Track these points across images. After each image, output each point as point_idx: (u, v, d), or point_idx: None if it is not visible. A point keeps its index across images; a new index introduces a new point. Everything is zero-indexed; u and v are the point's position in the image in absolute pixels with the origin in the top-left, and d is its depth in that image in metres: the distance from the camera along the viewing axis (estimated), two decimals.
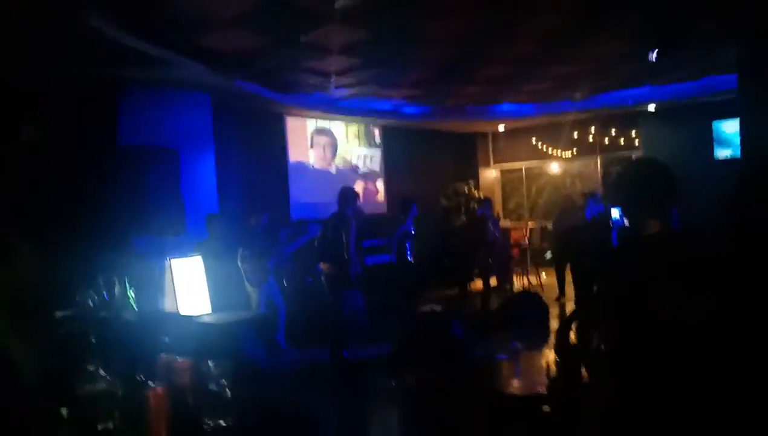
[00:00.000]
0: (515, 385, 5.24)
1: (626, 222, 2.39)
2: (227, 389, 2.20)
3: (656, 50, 6.83)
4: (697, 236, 2.25)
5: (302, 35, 6.01)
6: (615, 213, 8.51)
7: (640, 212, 2.22)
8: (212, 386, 2.21)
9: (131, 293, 4.24)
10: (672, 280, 2.06)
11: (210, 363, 2.27)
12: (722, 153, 10.79)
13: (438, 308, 8.40)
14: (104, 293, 3.47)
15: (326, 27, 5.75)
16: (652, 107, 10.94)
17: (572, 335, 4.90)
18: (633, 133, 11.84)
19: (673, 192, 2.22)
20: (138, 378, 2.32)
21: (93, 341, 2.91)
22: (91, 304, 3.11)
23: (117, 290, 3.66)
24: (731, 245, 2.36)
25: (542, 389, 4.69)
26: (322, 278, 6.85)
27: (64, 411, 2.11)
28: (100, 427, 2.14)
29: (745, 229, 2.40)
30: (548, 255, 10.63)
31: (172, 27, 5.49)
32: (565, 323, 6.40)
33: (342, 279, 6.44)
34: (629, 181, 2.33)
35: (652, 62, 7.35)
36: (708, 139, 10.81)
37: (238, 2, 5.09)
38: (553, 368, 4.31)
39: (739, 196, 2.33)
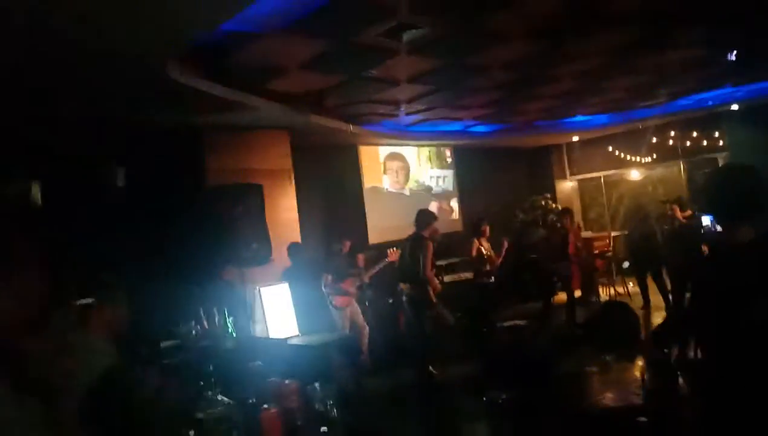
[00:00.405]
0: (608, 397, 5.16)
1: (718, 228, 2.33)
2: (333, 409, 2.38)
3: (734, 51, 6.61)
4: None
5: (370, 70, 6.29)
6: (705, 220, 8.19)
7: (732, 219, 2.14)
8: (319, 407, 2.40)
9: (229, 322, 4.57)
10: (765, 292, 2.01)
11: (316, 386, 2.45)
12: None
13: (522, 322, 8.35)
14: (205, 322, 3.77)
15: (392, 60, 5.99)
16: (735, 107, 10.46)
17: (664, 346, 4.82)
18: (716, 134, 11.33)
19: (763, 196, 2.17)
20: (250, 401, 2.55)
21: (198, 368, 3.19)
22: (193, 333, 3.40)
23: (216, 319, 3.96)
24: None
25: (636, 401, 4.61)
26: (403, 299, 7.02)
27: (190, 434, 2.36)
28: None
29: None
30: (625, 264, 10.30)
31: (248, 73, 5.91)
32: (656, 333, 6.26)
33: (422, 298, 6.58)
34: (718, 187, 2.26)
35: (730, 64, 7.13)
36: None
37: (304, 49, 5.44)
38: (646, 379, 4.24)
39: None
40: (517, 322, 8.53)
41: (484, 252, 7.78)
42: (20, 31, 3.80)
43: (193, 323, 3.56)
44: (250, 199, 6.22)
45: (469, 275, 9.47)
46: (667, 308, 8.72)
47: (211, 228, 6.19)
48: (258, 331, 6.34)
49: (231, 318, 4.65)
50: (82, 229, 6.03)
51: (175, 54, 4.77)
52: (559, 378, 6.11)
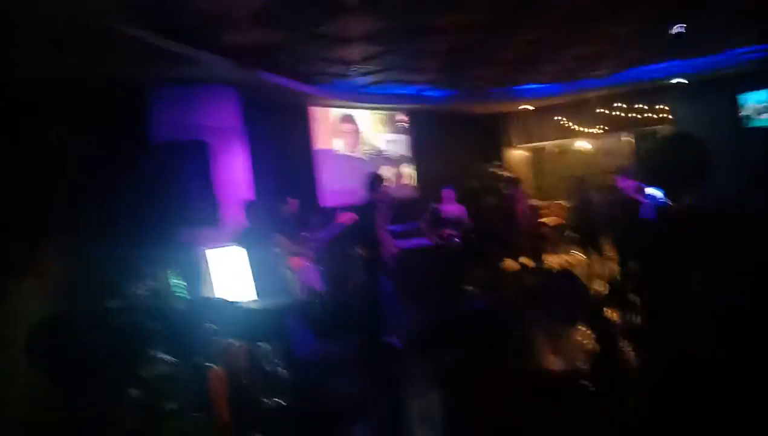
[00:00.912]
0: (553, 361, 5.27)
1: (664, 199, 2.37)
2: (281, 370, 2.29)
3: (681, 25, 6.72)
4: (730, 215, 2.21)
5: (321, 27, 6.07)
6: (652, 191, 8.37)
7: (677, 188, 2.20)
8: (267, 367, 2.30)
9: (179, 282, 4.39)
10: (705, 260, 2.04)
11: (263, 345, 2.35)
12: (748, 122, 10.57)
13: (470, 288, 8.43)
14: (152, 283, 3.60)
15: (344, 17, 5.80)
16: (682, 80, 10.74)
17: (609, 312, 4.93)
18: (663, 107, 11.62)
19: (707, 167, 2.19)
20: (196, 361, 2.43)
21: (147, 327, 3.04)
22: (140, 293, 3.23)
23: (163, 279, 3.78)
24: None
25: (581, 366, 4.72)
26: (359, 263, 6.96)
27: (132, 392, 2.24)
28: (166, 407, 2.26)
29: None
30: (566, 233, 10.55)
31: (194, 25, 5.59)
32: (601, 300, 6.41)
33: (376, 263, 6.54)
34: (665, 157, 2.29)
35: (676, 37, 7.25)
36: (735, 111, 10.60)
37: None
38: (591, 344, 4.33)
39: None
40: (466, 287, 8.61)
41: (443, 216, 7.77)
42: None
43: (140, 283, 3.39)
44: (195, 156, 5.96)
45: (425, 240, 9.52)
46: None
47: (157, 186, 5.92)
48: (210, 293, 6.15)
49: (180, 279, 4.46)
50: (23, 189, 5.69)
51: (120, 4, 4.46)
52: (507, 342, 6.21)
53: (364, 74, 8.53)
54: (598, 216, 8.87)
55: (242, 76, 7.10)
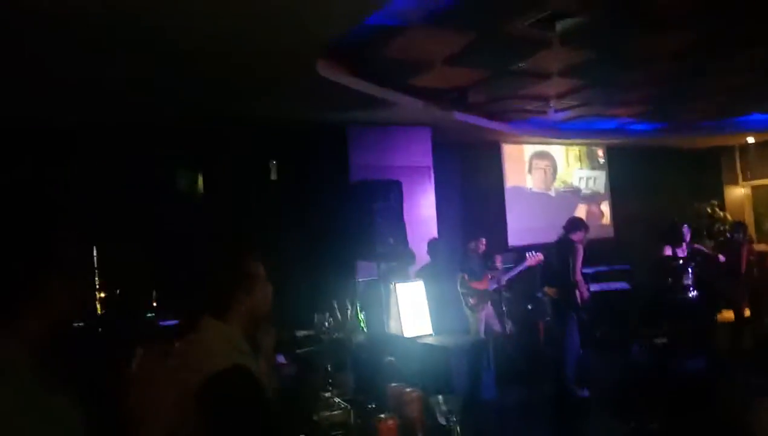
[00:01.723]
0: None
1: None
2: (456, 424, 2.21)
3: None
4: None
5: (518, 64, 6.00)
6: None
7: None
8: (440, 420, 2.24)
9: (361, 316, 4.57)
10: None
11: (440, 397, 2.29)
12: None
13: (664, 340, 7.56)
14: (338, 315, 3.79)
15: (543, 52, 5.65)
16: None
17: None
18: None
19: None
20: (369, 406, 2.48)
21: (329, 360, 3.19)
22: (326, 325, 3.42)
23: (349, 312, 3.97)
24: None
25: None
26: (546, 304, 6.67)
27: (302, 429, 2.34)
28: None
29: None
30: None
31: (391, 69, 5.90)
32: None
33: (567, 303, 6.20)
34: None
35: None
36: None
37: (450, 43, 5.29)
38: None
39: None
40: (662, 340, 7.78)
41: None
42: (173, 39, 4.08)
43: (326, 314, 3.59)
44: (390, 195, 6.22)
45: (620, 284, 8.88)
46: None
47: (352, 223, 6.29)
48: (391, 328, 6.34)
49: (363, 312, 4.64)
50: (240, 219, 6.46)
51: (322, 50, 4.87)
52: (716, 407, 5.43)
53: (562, 109, 8.25)
54: None
55: (435, 116, 7.31)
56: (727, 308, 7.98)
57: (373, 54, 5.49)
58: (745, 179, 12.17)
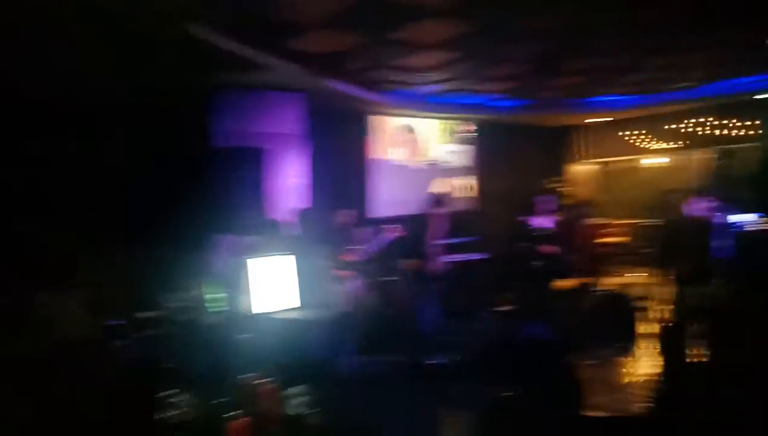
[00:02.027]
0: (605, 402, 5.00)
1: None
2: (313, 414, 2.17)
3: None
4: None
5: (398, 32, 5.89)
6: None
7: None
8: (293, 411, 2.20)
9: (215, 294, 4.34)
10: None
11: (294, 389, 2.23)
12: None
13: (509, 308, 8.11)
14: (188, 294, 3.59)
15: (422, 21, 5.60)
16: None
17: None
18: (751, 123, 10.82)
19: None
20: (216, 402, 2.38)
21: (172, 344, 3.02)
22: (171, 306, 3.21)
23: (197, 292, 3.78)
24: None
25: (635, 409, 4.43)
26: (406, 275, 6.84)
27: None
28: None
29: None
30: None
31: (266, 31, 5.59)
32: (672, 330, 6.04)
33: (425, 275, 6.42)
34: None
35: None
36: None
37: (328, 4, 5.10)
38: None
39: None
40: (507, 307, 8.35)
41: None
42: None
43: (174, 294, 3.37)
44: (250, 164, 5.98)
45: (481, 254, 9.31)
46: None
47: (210, 193, 6.00)
48: (255, 304, 6.18)
49: (222, 290, 4.43)
50: (83, 187, 5.89)
51: (194, 10, 4.51)
52: (556, 374, 5.92)
53: (433, 83, 8.34)
54: (676, 237, 8.37)
55: (309, 83, 7.09)
56: (569, 276, 8.65)
57: (247, 14, 5.16)
58: (589, 157, 13.25)
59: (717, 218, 7.66)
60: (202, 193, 6.27)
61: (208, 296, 4.26)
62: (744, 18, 5.98)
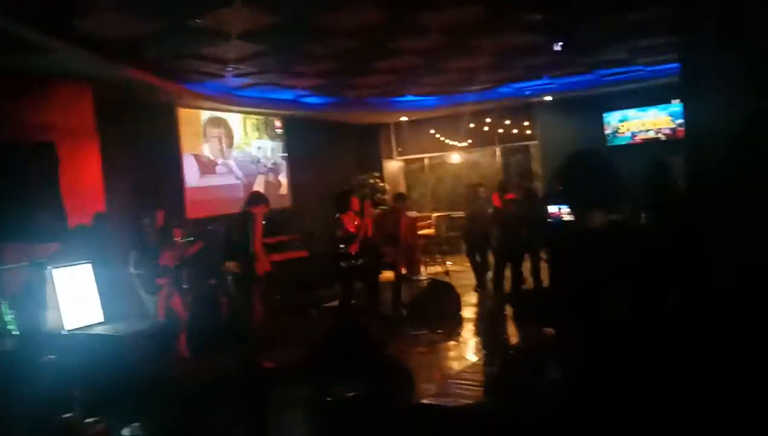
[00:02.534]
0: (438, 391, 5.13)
1: (566, 215, 2.36)
2: None
3: (560, 42, 6.95)
4: (640, 229, 2.24)
5: (195, 19, 5.49)
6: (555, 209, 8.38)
7: (586, 205, 2.17)
8: None
9: (6, 313, 3.62)
10: (621, 274, 2.03)
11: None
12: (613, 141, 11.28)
13: (335, 303, 8.11)
14: None
15: (223, 10, 5.27)
16: (548, 98, 11.28)
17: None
18: (527, 123, 12.18)
19: (616, 183, 2.19)
20: None
21: None
22: None
23: None
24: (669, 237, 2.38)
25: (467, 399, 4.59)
26: (229, 278, 6.41)
27: None
28: None
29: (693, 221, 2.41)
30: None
31: (46, 9, 4.79)
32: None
33: (250, 276, 6.06)
34: (573, 174, 2.26)
35: (553, 54, 7.51)
36: (600, 130, 11.27)
37: None
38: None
39: (692, 191, 2.34)
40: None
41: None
42: None
43: None
44: (40, 162, 5.12)
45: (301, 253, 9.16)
46: (478, 287, 9.12)
47: None
48: (50, 321, 5.30)
49: (9, 309, 3.69)
50: None
51: None
52: (390, 365, 5.99)
53: (240, 75, 7.96)
54: (487, 227, 8.99)
55: (101, 71, 6.29)
56: (389, 268, 8.87)
57: None
58: (399, 154, 13.86)
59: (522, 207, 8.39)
60: None
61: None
62: (529, 23, 6.61)
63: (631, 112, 11.12)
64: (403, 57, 7.63)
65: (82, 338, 5.35)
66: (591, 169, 2.21)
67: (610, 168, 2.20)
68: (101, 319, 5.65)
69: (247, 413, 5.14)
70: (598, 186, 2.15)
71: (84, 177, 6.42)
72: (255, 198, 6.28)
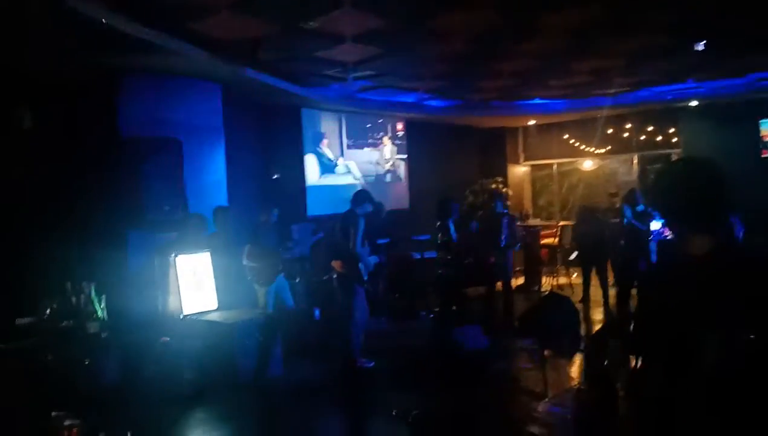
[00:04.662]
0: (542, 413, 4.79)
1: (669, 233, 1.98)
2: None
3: (703, 41, 6.24)
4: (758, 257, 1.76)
5: (311, 21, 5.60)
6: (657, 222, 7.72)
7: (685, 224, 1.75)
8: None
9: (97, 300, 3.89)
10: (727, 318, 1.61)
11: None
12: None
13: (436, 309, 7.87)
14: (71, 299, 3.13)
15: (337, 12, 5.33)
16: (693, 103, 10.25)
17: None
18: (671, 130, 11.15)
19: (725, 199, 1.74)
20: None
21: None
22: (48, 312, 2.76)
23: (84, 296, 3.31)
24: None
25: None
26: (334, 277, 6.50)
27: None
28: None
29: None
30: (572, 256, 9.92)
31: (169, 11, 5.15)
32: (594, 340, 5.88)
33: (351, 277, 6.08)
34: (671, 184, 1.84)
35: (694, 56, 6.79)
36: (754, 139, 10.03)
37: None
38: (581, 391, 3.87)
39: None
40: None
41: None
42: None
43: (50, 300, 2.91)
44: (166, 155, 5.50)
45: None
46: (606, 306, 8.47)
47: (119, 186, 5.48)
48: (170, 305, 5.71)
49: (101, 295, 3.95)
50: None
51: None
52: (492, 380, 5.72)
53: (360, 78, 8.07)
54: (604, 240, 8.36)
55: (226, 72, 6.65)
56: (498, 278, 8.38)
57: None
58: (526, 159, 13.33)
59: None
60: (108, 187, 5.73)
61: (90, 303, 3.77)
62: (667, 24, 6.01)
63: None
64: (525, 59, 7.28)
65: (197, 323, 5.72)
66: (693, 180, 1.77)
67: (720, 179, 1.80)
68: (215, 306, 6.01)
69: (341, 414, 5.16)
70: (701, 202, 1.72)
71: (209, 173, 6.84)
72: (360, 196, 6.23)
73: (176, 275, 5.72)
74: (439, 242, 7.13)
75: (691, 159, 1.87)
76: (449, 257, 7.16)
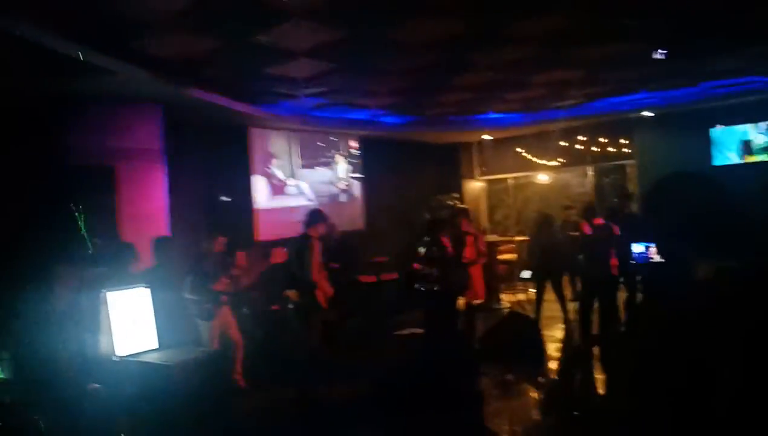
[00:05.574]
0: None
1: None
2: None
3: (665, 51, 6.17)
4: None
5: (258, 36, 5.28)
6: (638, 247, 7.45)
7: (680, 247, 1.55)
8: None
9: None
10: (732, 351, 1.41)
11: None
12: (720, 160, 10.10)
13: (419, 331, 7.61)
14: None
15: (285, 25, 5.01)
16: (646, 113, 10.30)
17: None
18: (626, 141, 11.19)
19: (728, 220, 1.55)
20: None
21: None
22: None
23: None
24: None
25: None
26: (289, 306, 6.12)
27: None
28: None
29: None
30: (525, 274, 9.75)
31: (109, 31, 4.75)
32: (565, 366, 5.66)
33: (310, 305, 5.72)
34: (670, 204, 1.61)
35: (653, 65, 6.74)
36: (705, 146, 10.13)
37: (172, 2, 4.36)
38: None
39: None
40: (414, 330, 7.85)
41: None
42: None
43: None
44: (98, 184, 5.06)
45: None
46: (565, 320, 8.30)
47: (49, 219, 5.00)
48: (102, 346, 5.21)
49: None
50: None
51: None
52: (455, 404, 5.44)
53: (312, 95, 7.76)
54: (560, 254, 8.22)
55: (166, 92, 6.25)
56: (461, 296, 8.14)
57: (86, 9, 4.31)
58: (482, 174, 13.21)
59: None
60: (38, 218, 5.24)
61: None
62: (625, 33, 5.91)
63: (742, 128, 9.92)
64: (484, 72, 7.10)
65: (131, 365, 5.23)
66: (695, 201, 1.58)
67: (722, 197, 1.56)
68: (155, 345, 5.52)
69: None
70: (704, 225, 1.53)
71: (148, 200, 6.38)
72: (313, 217, 5.87)
73: (107, 313, 5.24)
74: (427, 256, 6.83)
75: (687, 175, 1.64)
76: (435, 271, 6.84)
